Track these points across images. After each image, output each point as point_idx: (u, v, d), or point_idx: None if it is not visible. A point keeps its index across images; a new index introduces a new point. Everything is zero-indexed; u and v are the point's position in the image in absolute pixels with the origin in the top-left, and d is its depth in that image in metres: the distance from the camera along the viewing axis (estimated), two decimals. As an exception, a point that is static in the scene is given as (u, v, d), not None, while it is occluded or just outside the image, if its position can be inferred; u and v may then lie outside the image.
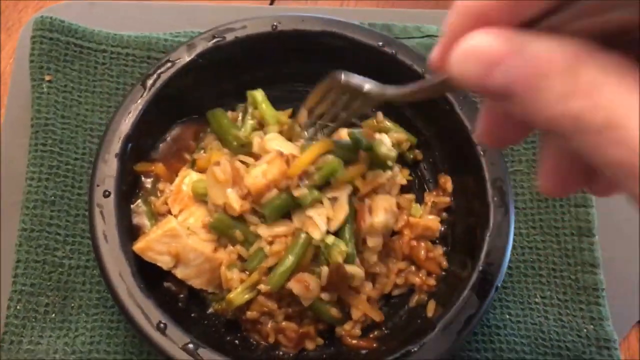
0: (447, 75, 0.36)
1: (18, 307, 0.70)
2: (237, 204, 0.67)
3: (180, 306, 0.70)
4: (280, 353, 0.69)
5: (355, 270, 0.68)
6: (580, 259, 0.78)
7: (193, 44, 0.74)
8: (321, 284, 0.67)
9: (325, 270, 0.66)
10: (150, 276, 0.66)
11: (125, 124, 0.69)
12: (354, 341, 0.69)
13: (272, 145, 0.71)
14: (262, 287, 0.66)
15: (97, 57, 0.84)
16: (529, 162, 0.82)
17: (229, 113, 0.79)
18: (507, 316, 0.75)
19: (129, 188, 0.72)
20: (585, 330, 0.75)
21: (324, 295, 0.68)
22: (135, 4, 0.93)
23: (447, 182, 0.78)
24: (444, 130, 0.77)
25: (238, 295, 0.67)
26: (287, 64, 0.80)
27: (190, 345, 0.60)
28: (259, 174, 0.67)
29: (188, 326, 0.62)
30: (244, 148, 0.74)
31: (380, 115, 0.80)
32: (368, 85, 0.61)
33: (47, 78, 0.80)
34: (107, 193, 0.66)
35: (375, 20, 0.88)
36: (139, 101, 0.70)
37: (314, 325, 0.70)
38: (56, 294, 0.72)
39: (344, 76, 0.62)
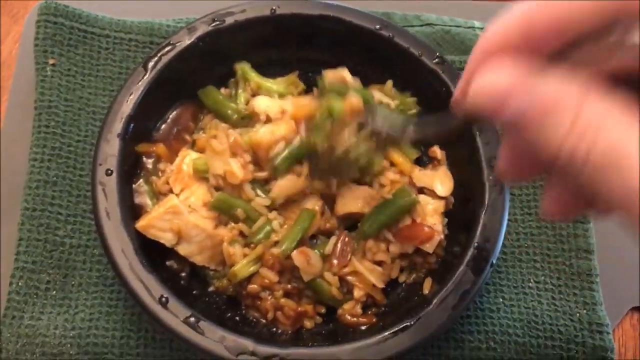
0: (466, 110, 0.38)
1: (20, 284, 0.71)
2: (239, 171, 0.69)
3: (182, 284, 0.71)
4: (279, 331, 0.70)
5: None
6: (574, 245, 0.79)
7: (193, 27, 0.75)
8: (326, 252, 0.69)
9: (333, 240, 0.70)
10: (152, 256, 0.67)
11: (127, 104, 0.70)
12: (354, 319, 0.70)
13: (260, 106, 0.73)
14: (272, 251, 0.68)
15: (101, 42, 0.85)
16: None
17: (222, 89, 0.80)
18: (501, 300, 0.76)
19: (131, 168, 0.73)
20: (578, 314, 0.76)
21: (327, 275, 0.70)
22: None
23: (436, 151, 0.78)
24: (439, 110, 0.78)
25: (242, 267, 0.68)
26: (286, 48, 0.81)
27: (192, 319, 0.61)
28: (267, 132, 0.69)
29: (190, 302, 0.63)
30: (244, 120, 0.76)
31: (389, 83, 0.80)
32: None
33: (51, 62, 0.82)
34: (109, 171, 0.67)
35: (375, 8, 0.89)
36: (140, 83, 0.71)
37: (312, 305, 0.71)
38: (57, 271, 0.73)
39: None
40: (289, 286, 0.70)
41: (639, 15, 0.31)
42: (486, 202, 0.69)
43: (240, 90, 0.79)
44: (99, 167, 0.67)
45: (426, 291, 0.71)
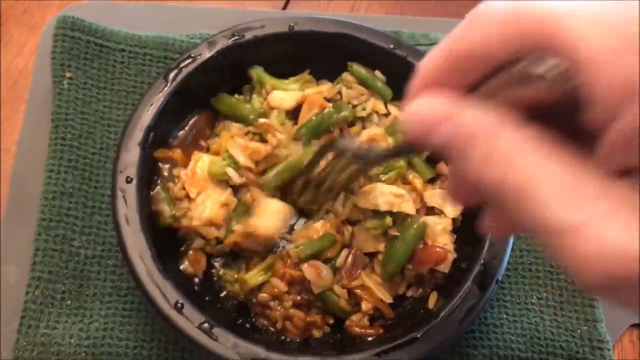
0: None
1: (36, 294, 0.72)
2: (264, 148, 0.73)
3: (196, 289, 0.73)
4: (288, 339, 0.72)
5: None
6: (576, 262, 0.80)
7: (214, 41, 0.77)
8: (337, 264, 0.71)
9: (344, 252, 0.71)
10: (168, 260, 0.69)
11: (148, 114, 0.72)
12: (361, 330, 0.72)
13: (276, 100, 0.77)
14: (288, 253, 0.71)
15: (116, 56, 0.87)
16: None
17: (235, 96, 0.82)
18: (505, 315, 0.77)
19: (149, 175, 0.74)
20: (579, 330, 0.77)
21: (336, 288, 0.71)
22: (154, 4, 0.96)
23: (442, 168, 0.80)
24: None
25: (253, 276, 0.70)
26: (302, 64, 0.83)
27: (206, 325, 0.63)
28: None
29: (203, 308, 0.65)
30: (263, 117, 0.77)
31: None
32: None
33: (68, 75, 0.83)
34: (129, 179, 0.69)
35: (384, 26, 0.91)
36: (161, 94, 0.74)
37: (321, 315, 0.72)
38: (72, 281, 0.74)
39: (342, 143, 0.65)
40: (299, 297, 0.71)
41: (544, 48, 0.32)
42: (493, 220, 0.70)
43: (254, 95, 0.80)
44: (120, 175, 0.69)
45: (431, 305, 0.72)
